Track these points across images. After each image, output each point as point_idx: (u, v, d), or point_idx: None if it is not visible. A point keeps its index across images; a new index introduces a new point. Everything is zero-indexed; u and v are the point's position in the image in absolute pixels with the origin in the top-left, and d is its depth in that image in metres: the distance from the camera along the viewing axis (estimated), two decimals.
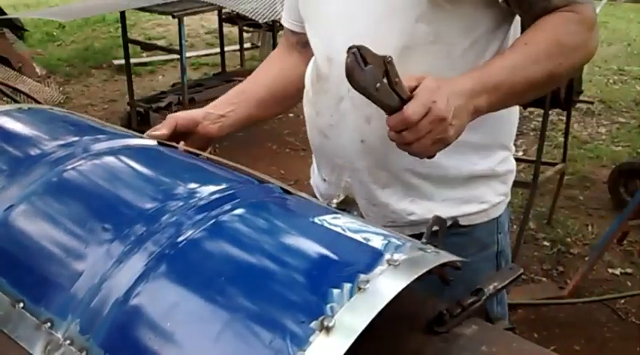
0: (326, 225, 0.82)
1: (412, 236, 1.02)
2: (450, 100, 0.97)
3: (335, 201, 0.95)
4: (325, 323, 0.63)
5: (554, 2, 1.07)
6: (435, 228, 0.94)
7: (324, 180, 1.30)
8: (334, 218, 0.85)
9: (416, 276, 0.71)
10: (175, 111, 4.72)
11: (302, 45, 1.35)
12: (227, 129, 1.34)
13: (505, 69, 1.05)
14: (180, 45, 4.05)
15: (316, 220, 0.83)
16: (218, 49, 5.25)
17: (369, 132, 1.16)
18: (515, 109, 1.29)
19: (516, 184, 3.98)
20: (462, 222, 1.20)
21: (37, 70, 5.65)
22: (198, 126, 1.30)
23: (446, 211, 1.14)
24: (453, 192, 1.22)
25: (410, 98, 0.95)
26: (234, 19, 5.11)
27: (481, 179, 1.23)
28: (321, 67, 1.22)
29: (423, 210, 1.20)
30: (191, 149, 1.16)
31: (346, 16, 1.16)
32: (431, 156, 1.03)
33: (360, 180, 1.22)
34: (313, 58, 1.28)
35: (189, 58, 5.79)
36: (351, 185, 1.23)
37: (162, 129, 1.23)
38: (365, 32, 1.10)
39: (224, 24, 5.16)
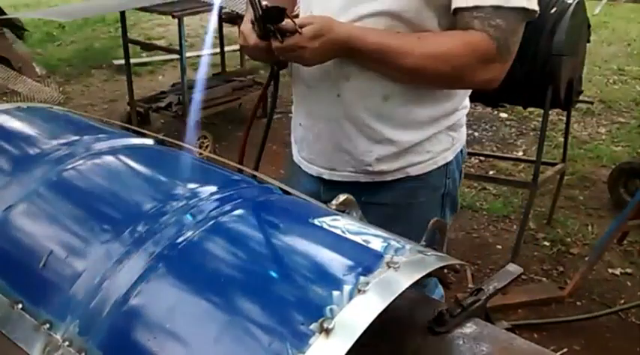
0: (326, 226, 0.82)
1: (367, 184, 1.39)
2: (320, 47, 1.21)
3: (335, 202, 0.95)
4: (325, 325, 0.63)
5: (474, 25, 1.21)
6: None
7: (300, 124, 1.47)
8: (334, 219, 0.85)
9: (416, 279, 0.71)
10: (175, 112, 4.67)
11: None
12: None
13: (384, 47, 1.24)
14: (180, 45, 4.04)
15: (316, 222, 0.83)
16: (218, 49, 5.25)
17: (346, 88, 1.33)
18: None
19: (516, 184, 3.97)
20: (414, 172, 1.39)
21: (37, 70, 5.64)
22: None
23: (401, 161, 1.37)
24: (408, 137, 1.37)
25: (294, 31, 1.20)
26: (234, 19, 5.10)
27: (429, 131, 1.38)
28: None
29: (383, 151, 1.37)
30: (192, 147, 1.16)
31: None
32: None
33: (332, 127, 1.38)
34: None
35: (189, 58, 5.77)
36: (323, 131, 1.40)
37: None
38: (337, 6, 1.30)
39: (224, 24, 5.16)
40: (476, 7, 1.20)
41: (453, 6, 1.23)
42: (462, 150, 1.48)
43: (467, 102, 1.47)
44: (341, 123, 1.37)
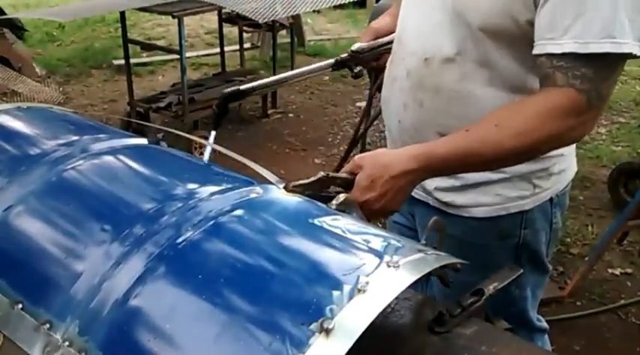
0: (326, 226, 0.82)
1: (436, 210, 1.31)
2: (384, 187, 1.06)
3: (335, 202, 0.95)
4: (325, 325, 0.63)
5: (556, 79, 1.05)
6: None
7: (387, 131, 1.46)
8: (334, 219, 0.85)
9: (416, 278, 0.71)
10: (175, 112, 4.67)
11: None
12: None
13: (461, 154, 1.08)
14: (180, 45, 4.05)
15: (316, 221, 0.83)
16: (218, 49, 5.25)
17: (404, 116, 1.30)
18: None
19: None
20: (478, 213, 1.30)
21: (37, 70, 5.64)
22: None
23: (466, 197, 1.28)
24: (471, 174, 1.26)
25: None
26: (234, 19, 5.10)
27: (500, 173, 1.26)
28: (395, 43, 1.37)
29: (442, 182, 1.30)
30: (200, 141, 1.17)
31: (419, 10, 1.27)
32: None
33: (397, 146, 1.33)
34: None
35: (189, 58, 5.78)
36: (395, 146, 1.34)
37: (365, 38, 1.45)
38: (429, 32, 1.23)
39: (224, 24, 5.16)
40: (552, 55, 1.05)
41: (534, 51, 1.08)
42: (552, 200, 1.32)
43: (568, 148, 1.31)
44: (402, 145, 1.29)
